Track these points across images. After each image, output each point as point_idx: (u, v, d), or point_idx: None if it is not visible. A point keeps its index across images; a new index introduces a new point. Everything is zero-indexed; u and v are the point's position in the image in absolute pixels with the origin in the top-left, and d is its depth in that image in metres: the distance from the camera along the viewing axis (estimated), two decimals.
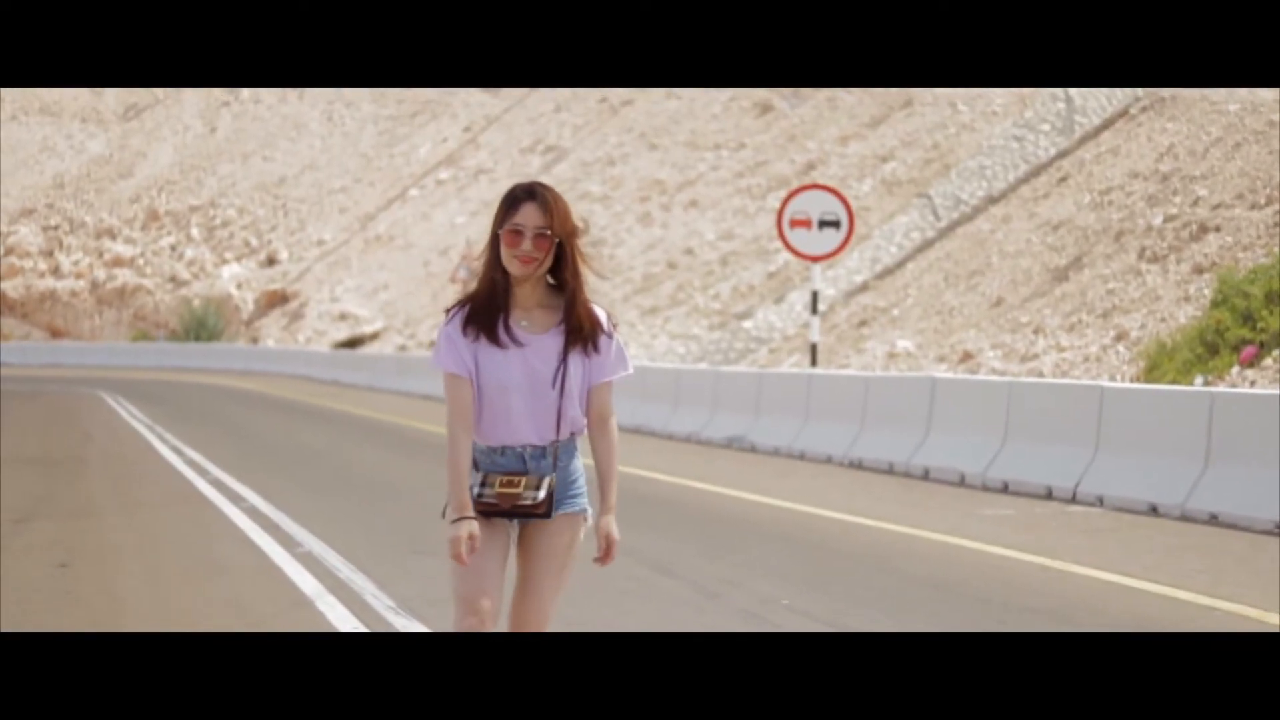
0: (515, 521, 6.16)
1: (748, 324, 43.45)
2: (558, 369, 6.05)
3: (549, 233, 5.98)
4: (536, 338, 6.05)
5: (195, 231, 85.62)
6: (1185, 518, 14.83)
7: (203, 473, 20.14)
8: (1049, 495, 16.78)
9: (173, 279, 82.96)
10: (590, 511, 6.20)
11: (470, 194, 74.30)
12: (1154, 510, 15.27)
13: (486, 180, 74.20)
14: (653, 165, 62.99)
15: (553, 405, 6.05)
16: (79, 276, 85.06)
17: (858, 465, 20.78)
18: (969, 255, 37.64)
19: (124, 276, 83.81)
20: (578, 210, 6.30)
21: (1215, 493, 14.75)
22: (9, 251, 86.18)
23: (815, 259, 27.20)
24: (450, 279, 52.22)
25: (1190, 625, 9.74)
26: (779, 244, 42.73)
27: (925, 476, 19.17)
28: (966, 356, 29.54)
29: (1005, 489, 17.55)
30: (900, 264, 41.47)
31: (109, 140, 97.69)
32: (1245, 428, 14.75)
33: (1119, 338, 26.34)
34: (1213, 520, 14.55)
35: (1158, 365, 23.63)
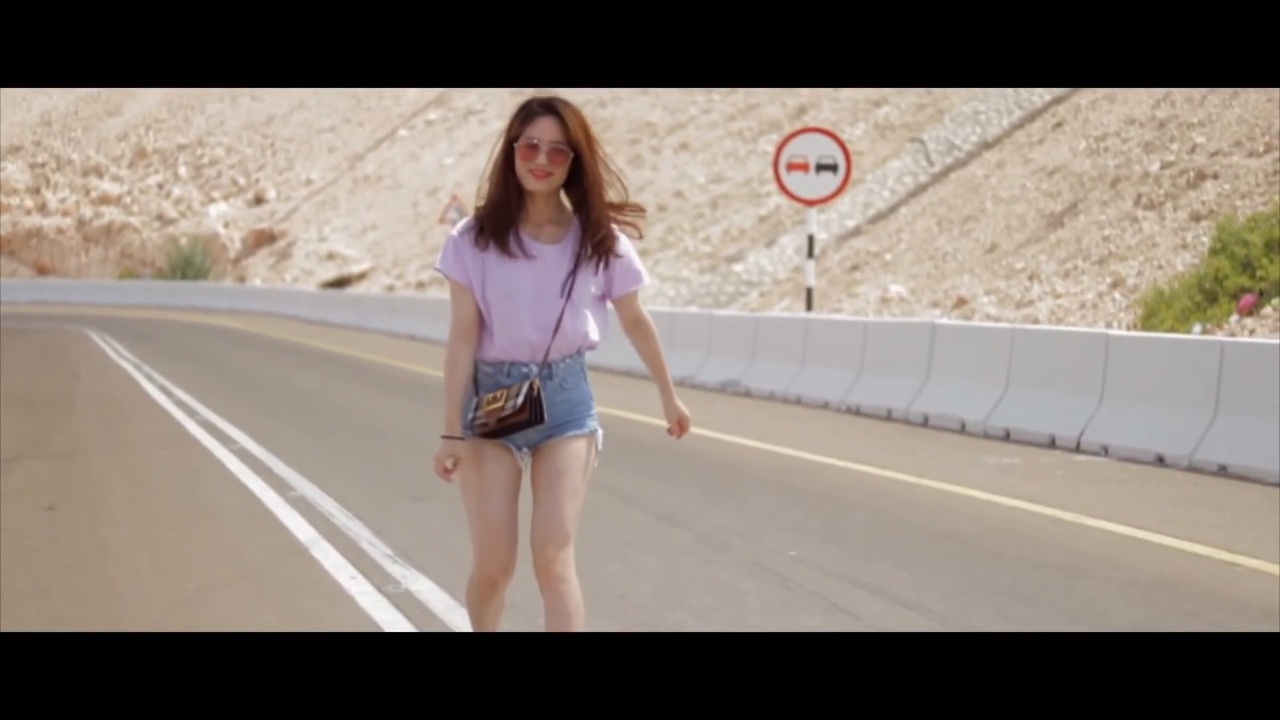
0: (525, 451, 6.05)
1: (738, 267, 43.17)
2: (567, 278, 5.94)
3: (565, 147, 5.87)
4: (547, 248, 5.95)
5: (183, 170, 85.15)
6: (1193, 468, 14.59)
7: (191, 413, 19.88)
8: (1052, 444, 16.53)
9: (160, 217, 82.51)
10: (600, 434, 6.14)
11: (459, 135, 73.87)
12: (1161, 461, 15.04)
13: (476, 121, 73.78)
14: (643, 108, 62.59)
15: (556, 312, 5.94)
16: (66, 214, 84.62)
17: (855, 411, 20.54)
18: (963, 200, 37.36)
19: (111, 214, 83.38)
20: None
21: (1224, 443, 14.50)
22: None
23: (812, 203, 26.97)
24: (439, 220, 51.87)
25: (1212, 582, 9.50)
26: (770, 187, 42.45)
27: (925, 423, 18.91)
28: (960, 302, 29.27)
29: (1007, 437, 17.30)
30: (893, 208, 41.19)
31: None
32: (1255, 378, 14.47)
33: (1115, 285, 26.09)
34: (1221, 471, 14.31)
35: (1155, 313, 23.39)
